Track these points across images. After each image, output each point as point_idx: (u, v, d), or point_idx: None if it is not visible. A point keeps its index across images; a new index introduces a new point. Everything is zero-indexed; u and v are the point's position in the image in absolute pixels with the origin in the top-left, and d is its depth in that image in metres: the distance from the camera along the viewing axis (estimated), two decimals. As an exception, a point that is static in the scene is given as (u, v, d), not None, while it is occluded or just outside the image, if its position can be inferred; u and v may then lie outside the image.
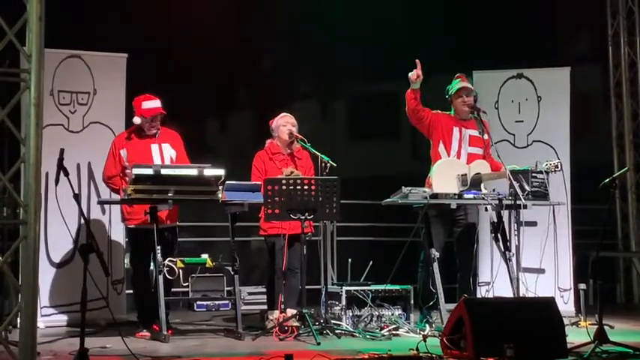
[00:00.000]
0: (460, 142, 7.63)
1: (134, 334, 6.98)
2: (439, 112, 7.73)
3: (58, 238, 7.86)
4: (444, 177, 7.40)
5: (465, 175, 7.43)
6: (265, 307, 7.77)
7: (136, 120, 7.30)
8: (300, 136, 7.57)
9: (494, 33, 10.90)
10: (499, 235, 7.31)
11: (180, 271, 6.93)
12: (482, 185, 7.47)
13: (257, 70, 11.09)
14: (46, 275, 7.68)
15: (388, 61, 10.53)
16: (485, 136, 7.68)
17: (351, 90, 11.77)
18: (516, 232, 7.29)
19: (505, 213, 7.30)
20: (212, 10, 10.13)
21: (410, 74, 7.38)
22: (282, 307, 7.24)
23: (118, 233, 8.17)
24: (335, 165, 7.30)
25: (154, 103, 7.28)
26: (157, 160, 7.20)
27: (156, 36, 9.73)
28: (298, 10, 10.51)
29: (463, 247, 7.59)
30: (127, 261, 8.07)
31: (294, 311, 7.19)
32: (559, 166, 7.32)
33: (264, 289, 7.94)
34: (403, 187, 7.27)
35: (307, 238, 7.13)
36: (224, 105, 11.04)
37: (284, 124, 7.62)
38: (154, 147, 7.31)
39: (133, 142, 7.31)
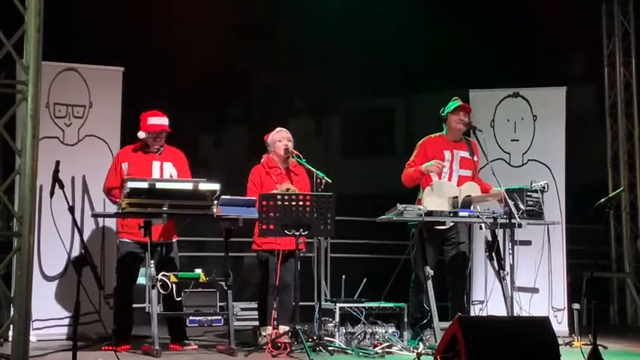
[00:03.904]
0: (452, 164, 7.62)
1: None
2: (430, 136, 7.74)
3: (51, 251, 7.80)
4: (436, 199, 7.39)
5: (456, 197, 7.42)
6: (258, 323, 7.72)
7: (141, 134, 7.27)
8: (295, 152, 7.55)
9: (491, 52, 10.93)
10: (493, 253, 7.30)
11: (174, 285, 6.89)
12: (471, 207, 7.46)
13: (253, 86, 11.10)
14: (38, 288, 7.61)
15: (384, 77, 10.55)
16: (475, 158, 7.70)
17: (346, 106, 11.79)
18: (511, 251, 7.27)
19: (500, 232, 7.30)
20: (207, 27, 10.15)
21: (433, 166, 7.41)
22: (275, 323, 7.20)
23: (111, 247, 8.11)
24: (330, 181, 7.28)
25: (159, 120, 7.27)
26: (155, 177, 7.16)
27: (152, 50, 9.75)
28: (295, 24, 10.53)
29: (456, 265, 7.57)
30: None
31: (287, 328, 7.16)
32: (546, 187, 7.35)
33: (257, 305, 7.89)
34: (398, 204, 7.25)
35: (301, 255, 7.11)
36: (219, 120, 11.04)
37: (280, 139, 7.60)
38: (156, 164, 7.31)
39: (136, 157, 7.30)
